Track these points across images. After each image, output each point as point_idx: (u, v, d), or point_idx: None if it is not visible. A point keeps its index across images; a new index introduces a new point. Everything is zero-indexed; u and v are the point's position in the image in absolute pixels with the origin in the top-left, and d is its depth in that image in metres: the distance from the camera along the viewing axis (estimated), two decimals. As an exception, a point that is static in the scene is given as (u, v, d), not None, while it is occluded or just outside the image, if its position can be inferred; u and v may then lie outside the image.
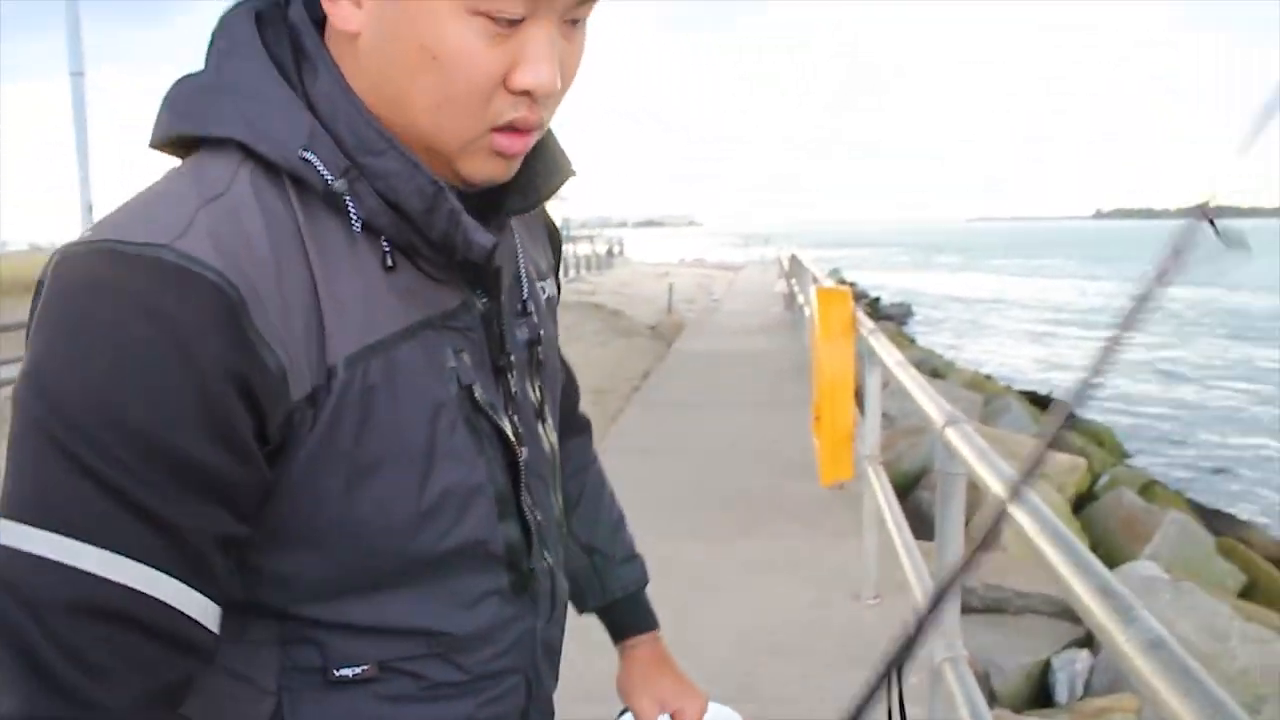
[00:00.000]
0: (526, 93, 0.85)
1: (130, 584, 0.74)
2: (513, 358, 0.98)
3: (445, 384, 0.90)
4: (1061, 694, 4.81)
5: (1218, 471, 13.77)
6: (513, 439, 0.96)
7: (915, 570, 3.29)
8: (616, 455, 6.64)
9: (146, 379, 0.74)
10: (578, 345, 14.25)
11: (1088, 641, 4.82)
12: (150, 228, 0.77)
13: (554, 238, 1.16)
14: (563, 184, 1.01)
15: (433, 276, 0.90)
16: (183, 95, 0.87)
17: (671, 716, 1.33)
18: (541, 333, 1.04)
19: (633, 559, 1.37)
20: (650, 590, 1.38)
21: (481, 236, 0.88)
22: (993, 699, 4.26)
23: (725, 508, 6.27)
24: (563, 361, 1.22)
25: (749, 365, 12.48)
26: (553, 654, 1.09)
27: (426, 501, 0.88)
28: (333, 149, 0.84)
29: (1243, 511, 10.82)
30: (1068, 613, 5.21)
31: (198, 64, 0.88)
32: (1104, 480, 9.44)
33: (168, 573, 0.76)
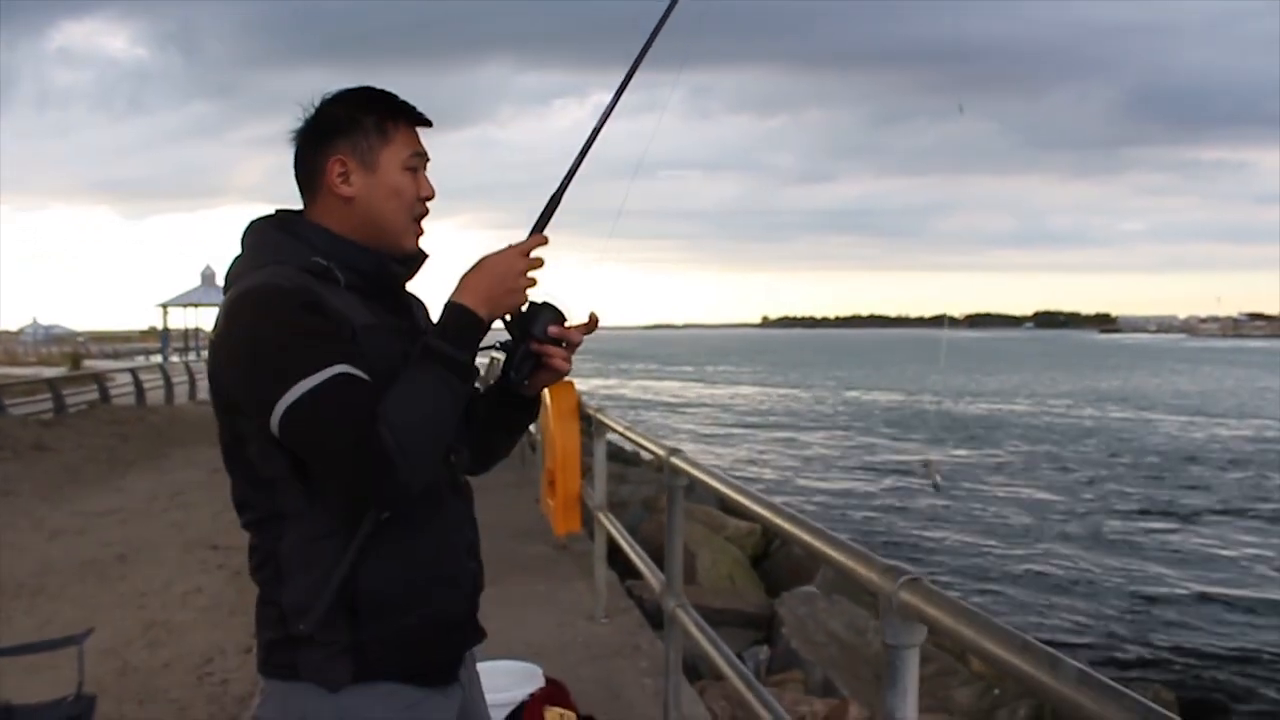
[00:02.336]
0: (427, 198, 1.86)
1: (340, 371, 1.62)
2: None
3: (397, 345, 1.77)
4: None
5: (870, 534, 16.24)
6: None
7: (651, 571, 4.50)
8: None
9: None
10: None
11: (767, 639, 6.26)
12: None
13: (425, 307, 2.00)
14: (426, 259, 1.91)
15: (383, 311, 1.81)
16: (245, 254, 1.81)
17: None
18: None
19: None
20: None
21: (397, 268, 1.86)
22: (700, 677, 5.54)
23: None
24: None
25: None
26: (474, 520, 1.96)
27: None
28: (320, 255, 1.75)
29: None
30: (752, 621, 6.67)
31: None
32: (776, 543, 11.10)
33: (343, 363, 1.63)
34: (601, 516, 5.86)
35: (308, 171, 1.85)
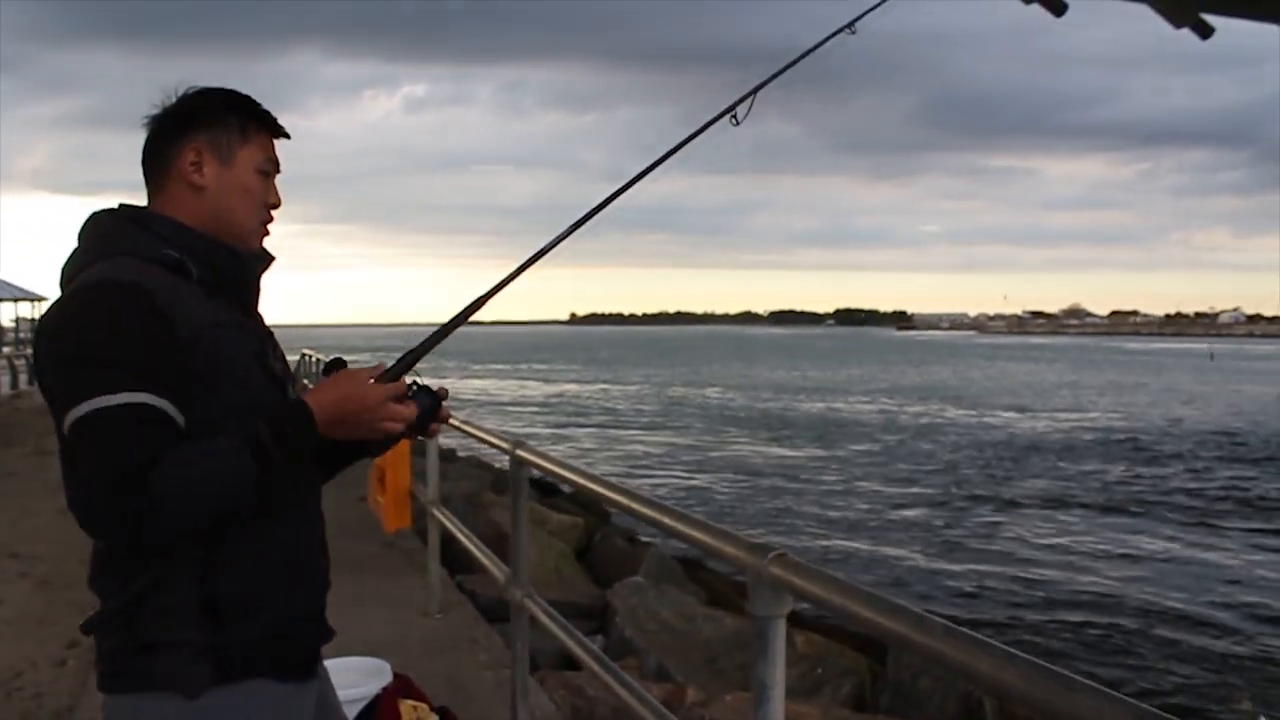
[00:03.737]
0: (274, 205, 1.88)
1: (141, 401, 1.58)
2: (267, 348, 1.85)
3: (249, 344, 1.79)
4: (585, 666, 6.28)
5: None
6: (279, 380, 1.85)
7: (494, 563, 4.53)
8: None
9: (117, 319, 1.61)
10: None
11: (600, 629, 6.37)
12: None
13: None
14: (273, 261, 1.92)
15: (232, 308, 1.79)
16: (86, 245, 1.75)
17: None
18: (276, 346, 1.91)
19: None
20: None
21: (253, 263, 1.86)
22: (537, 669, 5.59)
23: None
24: None
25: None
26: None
27: (252, 394, 1.75)
28: (171, 247, 1.73)
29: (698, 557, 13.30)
30: (584, 612, 6.77)
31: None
32: (598, 536, 11.26)
33: (152, 392, 1.59)
34: (436, 511, 5.85)
35: (159, 156, 1.82)
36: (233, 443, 1.61)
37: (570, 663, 5.55)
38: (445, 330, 1.94)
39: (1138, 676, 9.65)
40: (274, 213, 1.91)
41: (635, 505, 2.72)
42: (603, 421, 37.03)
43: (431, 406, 1.86)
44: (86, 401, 1.57)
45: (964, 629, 1.50)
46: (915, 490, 21.39)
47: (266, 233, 1.90)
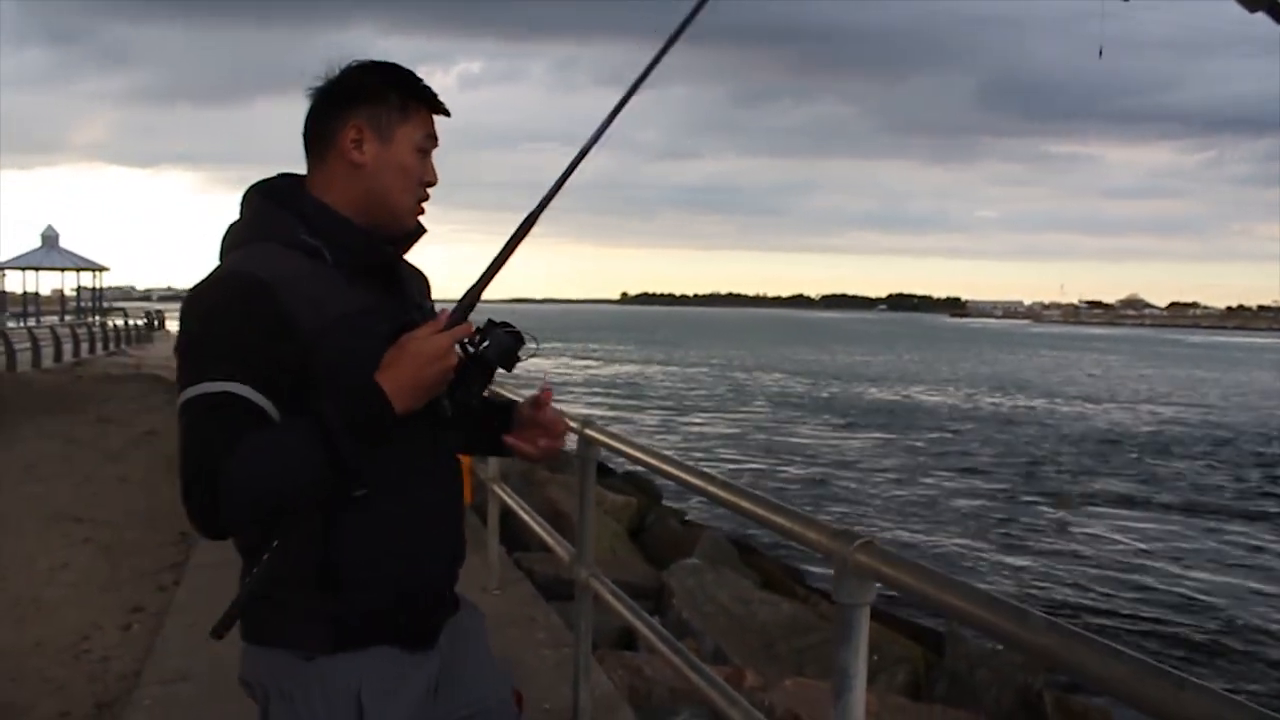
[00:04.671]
0: (430, 183, 1.88)
1: (234, 391, 1.63)
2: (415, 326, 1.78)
3: (382, 328, 1.74)
4: (645, 644, 6.24)
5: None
6: None
7: (557, 542, 4.55)
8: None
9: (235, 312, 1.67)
10: (155, 415, 14.36)
11: (655, 609, 6.37)
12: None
13: (425, 280, 2.06)
14: (423, 233, 1.93)
15: (372, 290, 1.80)
16: (239, 224, 1.83)
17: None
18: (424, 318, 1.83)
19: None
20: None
21: (388, 248, 1.86)
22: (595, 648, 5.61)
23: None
24: None
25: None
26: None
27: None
28: (311, 232, 1.77)
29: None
30: (640, 592, 6.77)
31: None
32: (651, 517, 11.27)
33: (250, 384, 1.64)
34: (497, 488, 5.87)
35: (321, 132, 1.84)
36: (296, 433, 1.64)
37: (627, 642, 5.55)
38: (500, 260, 1.82)
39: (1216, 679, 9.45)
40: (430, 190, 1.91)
41: (712, 489, 2.69)
42: (662, 404, 36.37)
43: (510, 341, 1.83)
44: (190, 389, 1.64)
45: (1067, 624, 1.46)
46: (985, 482, 20.92)
47: (422, 210, 1.91)
